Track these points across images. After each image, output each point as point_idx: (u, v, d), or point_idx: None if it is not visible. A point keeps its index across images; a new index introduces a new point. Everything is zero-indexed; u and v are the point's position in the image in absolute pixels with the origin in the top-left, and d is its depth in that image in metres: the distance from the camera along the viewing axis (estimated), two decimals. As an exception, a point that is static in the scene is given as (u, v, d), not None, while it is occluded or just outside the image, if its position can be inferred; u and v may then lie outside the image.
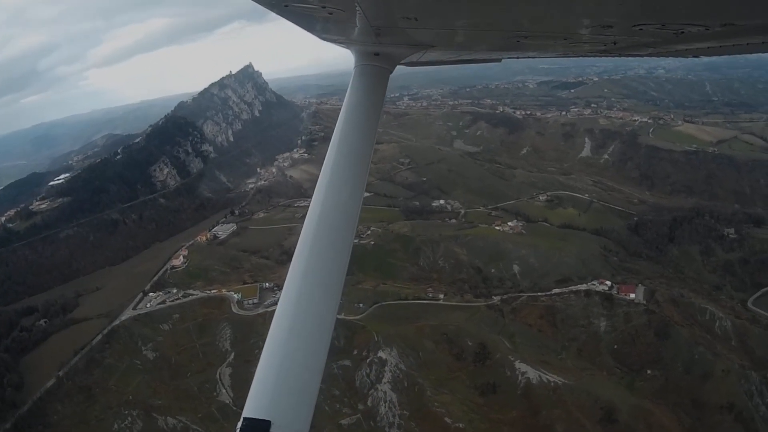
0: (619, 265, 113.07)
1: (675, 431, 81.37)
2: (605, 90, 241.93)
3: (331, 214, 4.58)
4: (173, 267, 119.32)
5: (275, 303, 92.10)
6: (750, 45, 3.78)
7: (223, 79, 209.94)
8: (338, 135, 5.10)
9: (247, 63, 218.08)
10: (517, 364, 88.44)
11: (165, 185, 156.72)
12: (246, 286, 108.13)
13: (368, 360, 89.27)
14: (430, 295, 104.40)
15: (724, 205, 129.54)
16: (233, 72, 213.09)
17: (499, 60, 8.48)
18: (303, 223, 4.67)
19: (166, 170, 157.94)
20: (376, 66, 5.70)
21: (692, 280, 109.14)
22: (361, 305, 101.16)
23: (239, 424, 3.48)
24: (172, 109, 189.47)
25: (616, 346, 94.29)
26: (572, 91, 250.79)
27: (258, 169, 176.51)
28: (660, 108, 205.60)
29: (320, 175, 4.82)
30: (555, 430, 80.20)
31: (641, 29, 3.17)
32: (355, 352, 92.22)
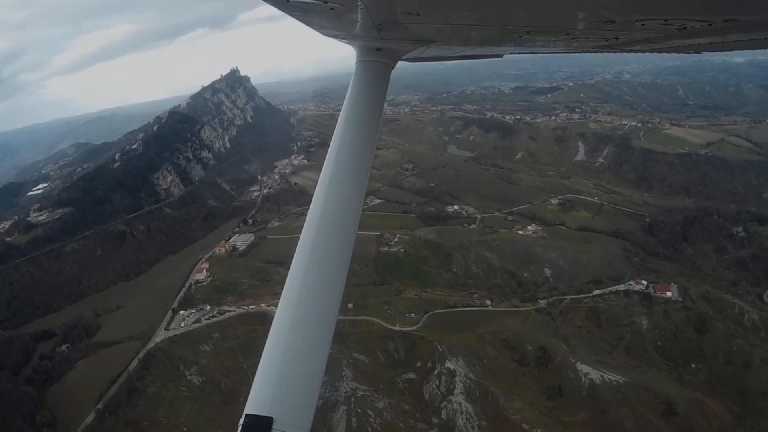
0: (641, 265, 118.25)
1: (727, 420, 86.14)
2: (581, 95, 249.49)
3: (333, 208, 4.62)
4: (197, 281, 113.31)
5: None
6: (753, 41, 3.84)
7: (214, 83, 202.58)
8: (340, 130, 5.15)
9: (233, 67, 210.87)
10: (579, 366, 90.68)
11: (169, 194, 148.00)
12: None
13: (436, 371, 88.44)
14: (478, 302, 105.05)
15: (722, 205, 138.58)
16: (223, 75, 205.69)
17: (500, 55, 8.59)
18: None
19: (169, 178, 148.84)
20: (377, 62, 5.71)
21: (710, 277, 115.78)
22: (413, 315, 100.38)
23: (241, 421, 3.52)
24: (166, 113, 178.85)
25: (660, 343, 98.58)
26: (549, 96, 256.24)
27: (259, 176, 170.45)
28: (638, 112, 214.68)
29: (323, 170, 4.87)
30: (625, 428, 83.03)
31: (643, 24, 3.22)
32: (419, 364, 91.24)
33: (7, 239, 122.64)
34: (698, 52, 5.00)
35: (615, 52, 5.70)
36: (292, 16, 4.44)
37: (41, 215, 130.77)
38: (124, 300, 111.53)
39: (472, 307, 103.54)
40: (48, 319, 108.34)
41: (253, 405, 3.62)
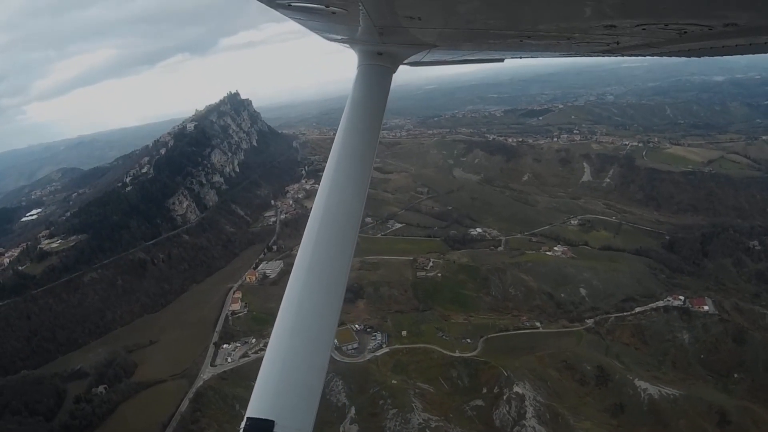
0: (668, 282, 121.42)
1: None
2: (572, 116, 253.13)
3: (334, 212, 4.70)
4: (233, 312, 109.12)
5: (380, 346, 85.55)
6: (753, 45, 3.93)
7: (219, 105, 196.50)
8: (342, 133, 5.26)
9: (233, 91, 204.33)
10: (637, 382, 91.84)
11: (186, 219, 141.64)
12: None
13: (504, 397, 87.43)
14: (528, 324, 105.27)
15: (730, 220, 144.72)
16: (225, 97, 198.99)
17: (501, 60, 8.62)
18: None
19: (185, 203, 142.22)
20: (379, 65, 5.86)
21: (734, 290, 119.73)
22: (468, 341, 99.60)
23: (243, 424, 3.56)
24: (168, 137, 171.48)
25: (702, 356, 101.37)
26: (540, 118, 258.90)
27: (272, 201, 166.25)
28: (633, 132, 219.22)
29: (324, 173, 4.99)
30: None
31: (644, 29, 3.29)
32: (485, 390, 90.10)
33: (20, 268, 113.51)
34: (699, 57, 5.07)
35: (616, 55, 5.68)
36: (294, 19, 4.47)
37: (53, 242, 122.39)
38: (156, 334, 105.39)
39: (524, 330, 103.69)
40: (74, 356, 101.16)
41: (255, 408, 3.62)
